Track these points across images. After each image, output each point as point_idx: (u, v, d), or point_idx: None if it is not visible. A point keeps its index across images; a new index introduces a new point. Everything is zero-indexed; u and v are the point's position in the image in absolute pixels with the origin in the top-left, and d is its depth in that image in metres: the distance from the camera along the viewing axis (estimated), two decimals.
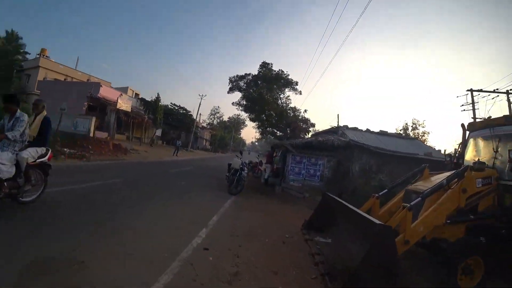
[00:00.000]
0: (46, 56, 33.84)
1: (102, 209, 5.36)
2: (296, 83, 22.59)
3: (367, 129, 16.73)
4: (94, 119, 21.68)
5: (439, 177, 5.83)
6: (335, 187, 11.52)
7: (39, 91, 27.81)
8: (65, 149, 12.96)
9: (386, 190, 6.28)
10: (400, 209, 4.63)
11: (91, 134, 20.38)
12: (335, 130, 15.67)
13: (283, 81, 22.15)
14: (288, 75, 22.20)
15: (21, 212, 4.45)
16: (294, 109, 23.38)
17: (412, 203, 4.31)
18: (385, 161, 12.30)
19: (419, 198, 4.45)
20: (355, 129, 16.08)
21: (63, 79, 32.30)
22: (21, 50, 32.44)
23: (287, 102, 23.52)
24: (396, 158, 12.30)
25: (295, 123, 21.69)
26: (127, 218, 5.03)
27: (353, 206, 4.86)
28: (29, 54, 33.91)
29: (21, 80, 31.24)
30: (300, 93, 23.26)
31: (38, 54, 33.66)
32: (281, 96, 23.14)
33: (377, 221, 3.79)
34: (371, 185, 10.10)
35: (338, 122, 23.51)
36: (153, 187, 8.82)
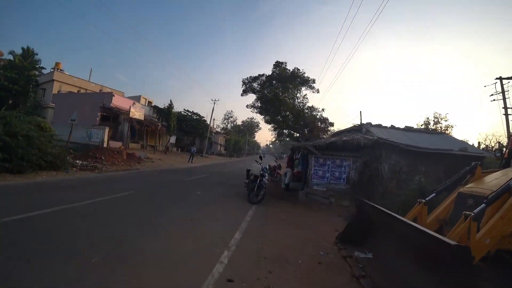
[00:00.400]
0: (60, 69, 34.31)
1: (106, 230, 4.71)
2: (313, 81, 21.35)
3: (391, 125, 15.68)
4: (107, 129, 21.51)
5: (494, 177, 5.04)
6: (362, 190, 10.63)
7: (54, 104, 28.04)
8: (77, 162, 12.59)
9: (433, 194, 5.43)
10: (461, 219, 3.78)
11: (105, 144, 20.18)
12: (359, 128, 14.66)
13: (299, 80, 20.99)
14: (304, 73, 21.05)
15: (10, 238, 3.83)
16: (311, 109, 22.18)
17: (476, 211, 3.55)
18: (417, 160, 11.21)
19: (483, 205, 3.67)
20: (379, 126, 15.04)
21: (76, 91, 32.59)
22: (37, 66, 33.02)
23: (304, 101, 22.31)
24: (429, 156, 11.20)
25: (313, 123, 20.62)
26: (135, 241, 4.34)
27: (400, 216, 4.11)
28: (45, 69, 34.58)
29: (37, 95, 31.71)
30: (318, 92, 21.99)
31: (52, 68, 34.16)
32: (297, 95, 21.97)
33: (452, 241, 2.92)
34: (411, 187, 9.04)
35: (361, 119, 22.38)
36: (166, 200, 8.16)
